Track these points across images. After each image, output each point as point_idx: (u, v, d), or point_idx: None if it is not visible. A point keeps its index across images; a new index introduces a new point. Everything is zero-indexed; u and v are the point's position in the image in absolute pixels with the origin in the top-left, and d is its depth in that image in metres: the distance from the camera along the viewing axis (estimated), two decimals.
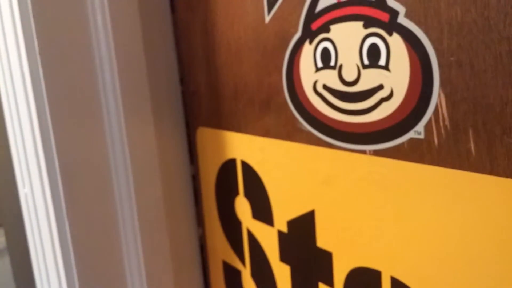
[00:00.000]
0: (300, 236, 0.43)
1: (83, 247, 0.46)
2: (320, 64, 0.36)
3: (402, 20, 0.30)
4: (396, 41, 0.30)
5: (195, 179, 0.58)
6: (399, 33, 0.30)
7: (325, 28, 0.35)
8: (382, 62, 0.31)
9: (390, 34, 0.30)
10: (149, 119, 0.51)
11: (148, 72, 0.50)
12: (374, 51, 0.32)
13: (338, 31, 0.34)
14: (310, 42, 0.37)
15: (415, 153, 0.31)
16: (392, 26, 0.30)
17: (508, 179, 0.26)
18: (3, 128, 0.54)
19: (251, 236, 0.50)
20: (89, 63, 0.46)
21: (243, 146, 0.48)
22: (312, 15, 0.36)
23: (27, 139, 0.46)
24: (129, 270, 0.50)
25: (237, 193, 0.50)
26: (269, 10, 0.40)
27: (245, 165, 0.48)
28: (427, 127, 0.30)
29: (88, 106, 0.46)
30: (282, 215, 0.44)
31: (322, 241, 0.40)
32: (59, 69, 0.44)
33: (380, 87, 0.32)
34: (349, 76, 0.34)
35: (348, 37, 0.33)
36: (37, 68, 0.42)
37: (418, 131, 0.30)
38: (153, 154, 0.51)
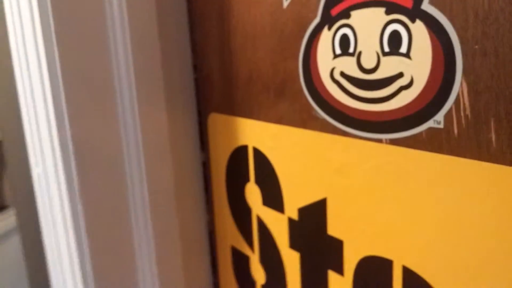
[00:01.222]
0: (311, 224, 0.43)
1: (95, 228, 0.47)
2: (338, 51, 0.36)
3: (426, 6, 0.29)
4: (419, 28, 0.30)
5: (206, 165, 0.58)
6: (423, 20, 0.29)
7: (345, 14, 0.34)
8: (403, 49, 0.31)
9: (413, 21, 0.30)
10: (162, 105, 0.51)
11: (162, 58, 0.50)
12: (395, 38, 0.31)
13: (358, 17, 0.34)
14: (329, 28, 0.36)
15: (433, 142, 0.31)
16: (416, 12, 0.30)
17: None
18: (17, 108, 0.54)
19: (260, 223, 0.50)
20: (104, 45, 0.46)
21: (255, 133, 0.47)
22: (332, 0, 0.35)
23: (41, 119, 0.46)
24: (139, 252, 0.51)
25: (247, 180, 0.50)
26: None
27: (256, 152, 0.48)
28: (447, 117, 0.29)
29: (102, 89, 0.46)
30: (293, 202, 0.44)
31: (333, 229, 0.40)
32: (74, 52, 0.44)
33: (400, 75, 0.32)
34: (368, 63, 0.33)
35: (369, 23, 0.33)
36: (52, 50, 0.42)
37: (437, 121, 0.30)
38: (165, 139, 0.51)
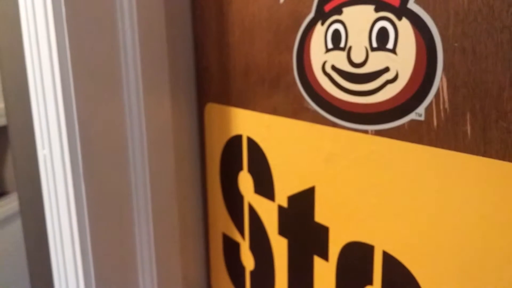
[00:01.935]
0: (300, 211, 0.44)
1: (97, 208, 0.49)
2: (330, 45, 0.38)
3: (412, 5, 0.31)
4: (404, 25, 0.32)
5: (202, 153, 0.59)
6: (408, 18, 0.31)
7: (338, 10, 0.36)
8: (390, 45, 0.33)
9: (400, 18, 0.32)
10: (165, 92, 0.53)
11: (167, 48, 0.52)
12: (383, 35, 0.33)
13: (350, 13, 0.35)
14: (322, 23, 0.38)
15: (414, 134, 0.32)
16: (402, 11, 0.32)
17: (500, 161, 0.28)
18: (23, 94, 0.55)
19: (252, 210, 0.52)
20: (113, 32, 0.47)
21: (249, 123, 0.49)
22: None
23: (49, 102, 0.48)
24: (139, 235, 0.53)
25: (241, 168, 0.52)
26: None
27: (250, 141, 0.50)
28: (428, 110, 0.31)
29: (109, 74, 0.48)
30: (283, 190, 0.46)
31: (320, 216, 0.42)
32: (84, 38, 0.45)
33: (386, 69, 0.33)
34: (358, 58, 0.35)
35: (359, 20, 0.35)
36: (63, 34, 0.44)
37: (419, 113, 0.32)
38: (167, 126, 0.53)
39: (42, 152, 0.52)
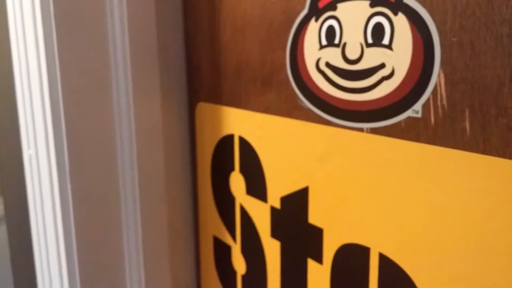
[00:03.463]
0: (293, 212, 0.43)
1: (83, 211, 0.47)
2: (324, 42, 0.37)
3: (408, 0, 0.30)
4: (401, 21, 0.31)
5: (192, 154, 0.58)
6: (405, 13, 0.31)
7: (332, 6, 0.36)
8: (385, 41, 0.32)
9: (396, 13, 0.31)
10: (156, 92, 0.51)
11: (158, 46, 0.51)
12: (378, 30, 0.32)
13: (344, 9, 0.35)
14: (316, 20, 0.37)
15: (411, 131, 0.32)
16: (398, 6, 0.31)
17: (500, 159, 0.27)
18: (9, 94, 0.54)
19: (243, 212, 0.50)
20: (102, 31, 0.46)
21: (241, 122, 0.48)
22: None
23: (35, 101, 0.47)
24: (127, 238, 0.51)
25: (232, 169, 0.51)
26: None
27: (242, 141, 0.49)
28: (425, 106, 0.30)
29: (98, 74, 0.47)
30: (276, 191, 0.45)
31: (314, 217, 0.41)
32: (73, 37, 0.44)
33: (382, 65, 0.33)
34: (352, 54, 0.35)
35: (354, 15, 0.34)
36: (51, 33, 0.43)
37: (416, 110, 0.31)
38: (157, 127, 0.52)
39: (27, 152, 0.50)
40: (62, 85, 0.44)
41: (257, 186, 0.47)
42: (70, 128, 0.45)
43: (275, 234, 0.46)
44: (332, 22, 0.36)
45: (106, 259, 0.50)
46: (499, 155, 0.27)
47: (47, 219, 0.49)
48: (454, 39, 0.28)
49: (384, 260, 0.35)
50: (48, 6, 0.42)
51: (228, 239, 0.54)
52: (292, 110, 0.41)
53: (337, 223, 0.39)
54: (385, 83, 0.33)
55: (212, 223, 0.56)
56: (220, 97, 0.51)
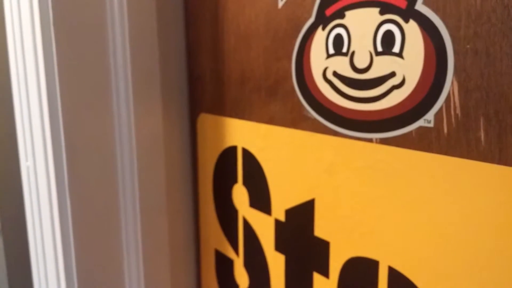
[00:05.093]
0: (298, 225, 0.42)
1: (82, 225, 0.46)
2: (331, 51, 0.36)
3: (420, 7, 0.30)
4: (412, 28, 0.30)
5: (193, 166, 0.57)
6: (416, 20, 0.30)
7: (340, 14, 0.35)
8: (396, 49, 0.31)
9: (407, 21, 0.30)
10: (157, 103, 0.51)
11: (159, 56, 0.50)
12: (388, 38, 0.32)
13: (353, 17, 0.34)
14: (323, 28, 0.36)
15: (423, 141, 0.31)
16: (409, 13, 0.30)
17: None
18: (5, 105, 0.53)
19: (246, 225, 0.49)
20: (102, 40, 0.45)
21: (245, 133, 0.47)
22: (327, 0, 0.36)
23: (34, 112, 0.45)
24: (127, 252, 0.50)
25: (235, 181, 0.50)
26: None
27: (246, 153, 0.48)
28: (438, 116, 0.30)
29: (98, 85, 0.46)
30: (281, 203, 0.44)
31: (320, 230, 0.40)
32: (72, 46, 0.43)
33: (392, 74, 0.32)
34: (361, 63, 0.34)
35: (363, 23, 0.33)
36: (50, 42, 0.42)
37: (427, 120, 0.30)
38: (158, 139, 0.51)
39: (25, 164, 0.49)
40: (61, 95, 0.43)
41: (260, 199, 0.46)
42: (69, 139, 0.44)
43: (279, 247, 0.45)
44: (340, 30, 0.35)
45: (106, 272, 0.49)
46: None
47: (45, 232, 0.48)
48: (468, 46, 0.27)
49: (394, 274, 0.34)
50: (48, 15, 0.42)
51: (230, 252, 0.53)
52: (297, 121, 0.41)
53: (344, 236, 0.38)
54: (395, 92, 0.32)
55: (213, 236, 0.55)
56: (223, 108, 0.50)
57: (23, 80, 0.47)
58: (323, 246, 0.40)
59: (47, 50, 0.43)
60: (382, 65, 0.32)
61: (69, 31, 0.43)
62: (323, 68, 0.37)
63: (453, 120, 0.29)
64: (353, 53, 0.34)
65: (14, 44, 0.47)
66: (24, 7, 0.43)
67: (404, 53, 0.31)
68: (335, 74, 0.36)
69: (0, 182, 0.66)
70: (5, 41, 0.49)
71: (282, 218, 0.44)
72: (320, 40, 0.37)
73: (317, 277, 0.41)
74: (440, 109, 0.29)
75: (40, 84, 0.43)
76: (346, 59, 0.35)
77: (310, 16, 0.38)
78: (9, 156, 0.63)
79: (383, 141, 0.33)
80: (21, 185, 0.53)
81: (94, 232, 0.47)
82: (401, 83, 0.31)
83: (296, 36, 0.39)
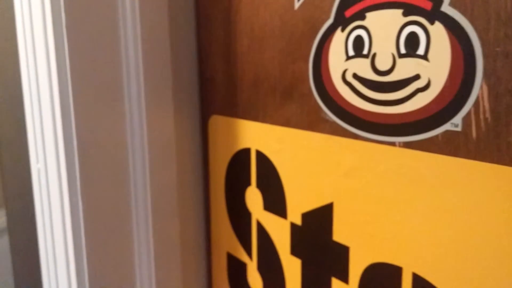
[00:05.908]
0: (315, 229, 0.42)
1: (94, 228, 0.45)
2: (351, 53, 0.35)
3: (446, 8, 0.29)
4: (438, 30, 0.30)
5: (205, 167, 0.56)
6: (442, 22, 0.29)
7: (360, 16, 0.34)
8: (420, 51, 0.31)
9: (432, 22, 0.30)
10: (169, 106, 0.50)
11: (171, 58, 0.49)
12: (412, 40, 0.31)
13: (374, 18, 0.33)
14: (343, 30, 0.36)
15: (450, 146, 0.30)
16: (435, 14, 0.30)
17: None
18: (15, 107, 0.52)
19: (260, 228, 0.48)
20: (115, 43, 0.45)
21: (259, 136, 0.47)
22: (346, 2, 0.35)
23: (45, 114, 0.45)
24: (138, 255, 0.49)
25: (248, 184, 0.49)
26: None
27: (260, 155, 0.47)
28: (466, 120, 0.29)
29: (110, 87, 0.45)
30: (297, 207, 0.43)
31: (339, 235, 0.39)
32: (85, 49, 0.43)
33: (417, 77, 0.31)
34: (383, 65, 0.33)
35: (385, 25, 0.33)
36: (62, 46, 0.41)
37: (455, 124, 0.30)
38: (170, 141, 0.50)
39: (36, 166, 0.48)
40: (74, 97, 0.43)
41: (275, 202, 0.46)
42: (81, 141, 0.44)
43: (295, 251, 0.45)
44: (360, 32, 0.34)
45: (118, 275, 0.48)
46: None
47: (56, 235, 0.47)
48: (498, 49, 0.27)
49: (418, 281, 0.34)
50: (60, 19, 0.41)
51: (243, 256, 0.52)
52: (314, 123, 0.40)
53: (365, 241, 0.37)
54: (420, 95, 0.31)
55: (225, 239, 0.54)
56: (235, 110, 0.49)
57: (34, 82, 0.46)
58: (343, 251, 0.39)
59: (59, 52, 0.42)
60: (405, 68, 0.32)
61: (82, 33, 0.42)
62: (342, 70, 0.36)
63: (482, 124, 0.28)
64: (374, 55, 0.34)
65: (25, 45, 0.46)
66: (36, 10, 0.42)
67: (429, 56, 0.30)
68: (355, 76, 0.35)
69: (7, 183, 0.66)
70: (16, 43, 0.49)
71: (298, 221, 0.43)
72: (339, 41, 0.36)
73: (335, 282, 0.40)
74: (468, 113, 0.29)
75: (52, 86, 0.43)
76: (367, 61, 0.34)
77: (328, 17, 0.37)
78: (16, 157, 0.62)
79: (407, 145, 0.33)
80: (29, 186, 0.53)
81: (106, 234, 0.47)
82: (426, 86, 0.31)
83: (314, 38, 0.38)
